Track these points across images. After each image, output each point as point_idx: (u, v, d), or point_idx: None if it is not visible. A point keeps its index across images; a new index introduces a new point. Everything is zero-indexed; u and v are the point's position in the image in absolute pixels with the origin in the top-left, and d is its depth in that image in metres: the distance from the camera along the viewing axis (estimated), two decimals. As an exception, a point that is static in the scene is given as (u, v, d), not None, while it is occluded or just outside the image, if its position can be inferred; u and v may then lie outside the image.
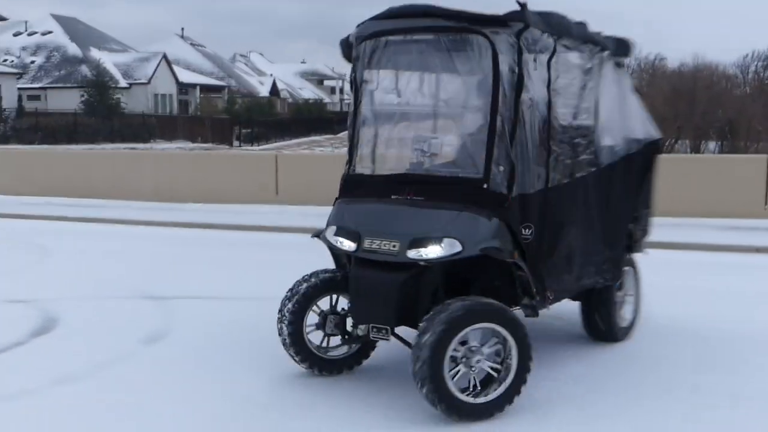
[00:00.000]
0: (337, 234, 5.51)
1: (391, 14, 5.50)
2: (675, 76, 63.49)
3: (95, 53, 64.54)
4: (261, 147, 51.09)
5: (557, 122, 5.69)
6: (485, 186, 5.19)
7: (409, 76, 5.93)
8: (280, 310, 5.68)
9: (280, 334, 5.68)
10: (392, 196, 5.45)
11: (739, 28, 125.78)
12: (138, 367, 6.10)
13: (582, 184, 6.01)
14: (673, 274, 9.27)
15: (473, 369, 4.95)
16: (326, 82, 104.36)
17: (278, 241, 12.08)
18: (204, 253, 11.33)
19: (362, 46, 5.68)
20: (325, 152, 34.80)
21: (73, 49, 64.59)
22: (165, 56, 66.13)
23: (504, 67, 5.18)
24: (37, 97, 60.19)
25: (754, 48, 74.83)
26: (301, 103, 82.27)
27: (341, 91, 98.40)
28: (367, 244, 5.31)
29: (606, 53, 6.31)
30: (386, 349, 6.01)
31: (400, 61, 5.76)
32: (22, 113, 51.48)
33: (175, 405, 5.29)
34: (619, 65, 6.65)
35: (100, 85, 55.93)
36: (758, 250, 10.97)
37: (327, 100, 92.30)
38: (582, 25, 5.99)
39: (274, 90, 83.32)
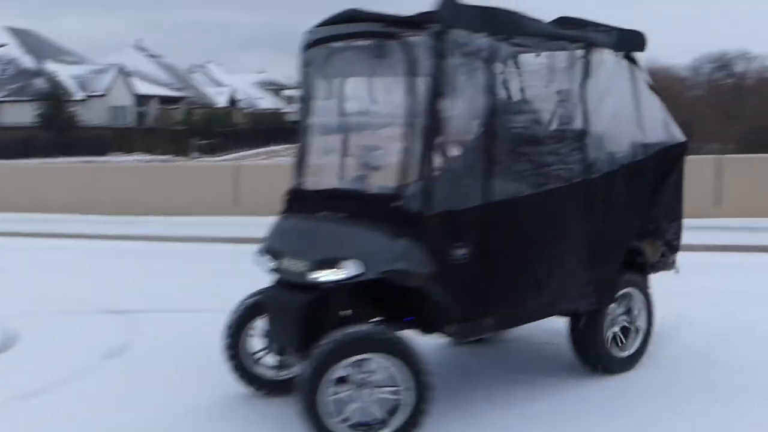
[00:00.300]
0: (266, 251, 5.34)
1: (329, 21, 5.31)
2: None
3: (51, 66, 63.90)
4: (220, 158, 50.98)
5: (509, 130, 5.28)
6: (398, 202, 4.87)
7: (350, 84, 5.66)
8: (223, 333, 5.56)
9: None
10: (322, 213, 5.23)
11: (689, 32, 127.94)
12: (101, 382, 6.11)
13: (555, 197, 5.48)
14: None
15: (370, 400, 4.71)
16: (285, 92, 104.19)
17: (239, 252, 12.07)
18: (165, 265, 11.29)
19: (306, 54, 5.51)
20: (285, 162, 34.61)
21: (28, 61, 63.87)
22: (121, 68, 65.71)
23: (422, 73, 4.86)
24: (-10, 111, 59.49)
25: (704, 50, 76.16)
26: (260, 113, 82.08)
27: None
28: (284, 263, 5.15)
29: (597, 50, 5.75)
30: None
31: (340, 69, 5.49)
32: (-25, 128, 50.85)
33: (139, 418, 5.30)
34: (628, 61, 6.08)
35: (55, 98, 55.48)
36: (708, 248, 11.17)
37: (285, 109, 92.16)
38: (538, 22, 5.52)
39: (232, 100, 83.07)
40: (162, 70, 78.20)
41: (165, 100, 71.22)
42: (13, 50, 65.33)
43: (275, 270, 5.24)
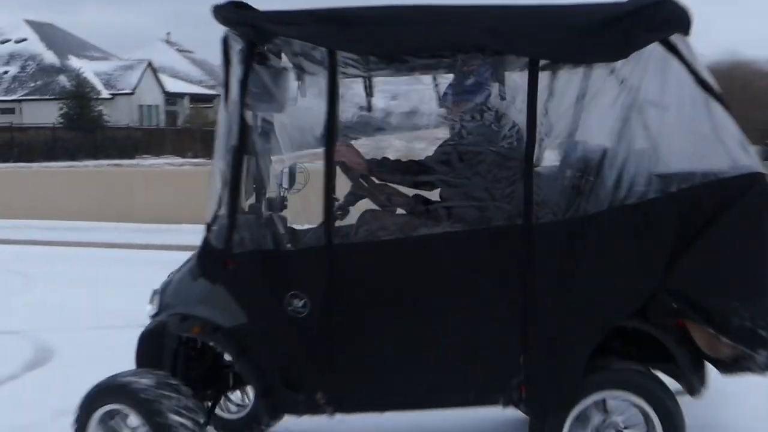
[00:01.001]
0: None
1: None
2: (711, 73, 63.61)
3: (74, 62, 64.92)
4: (256, 161, 51.32)
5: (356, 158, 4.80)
6: (205, 239, 4.61)
7: None
8: None
9: None
10: None
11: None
12: None
13: (446, 243, 4.47)
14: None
15: None
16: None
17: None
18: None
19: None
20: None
21: (50, 57, 64.99)
22: (150, 64, 66.55)
23: (231, 81, 4.43)
24: (11, 111, 60.56)
25: (795, 42, 74.87)
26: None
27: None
28: None
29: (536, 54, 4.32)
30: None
31: None
32: (-5, 129, 51.85)
33: None
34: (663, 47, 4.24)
35: (80, 97, 56.22)
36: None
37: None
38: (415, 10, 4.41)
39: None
40: (194, 67, 79.07)
41: (197, 99, 71.96)
42: (34, 45, 66.52)
43: None
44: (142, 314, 8.81)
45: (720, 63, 67.03)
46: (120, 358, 7.27)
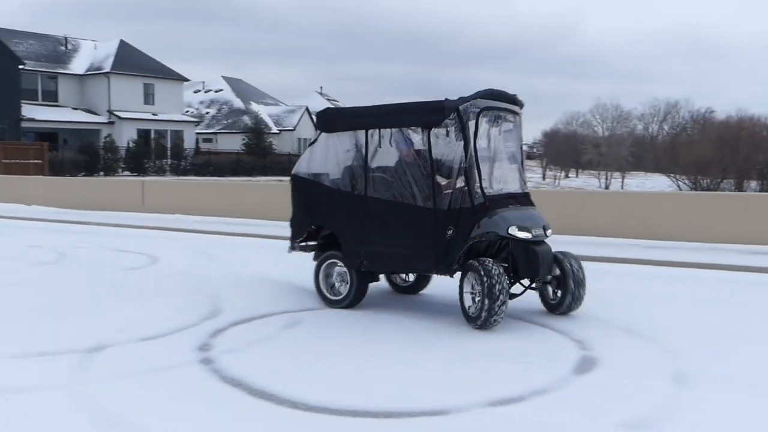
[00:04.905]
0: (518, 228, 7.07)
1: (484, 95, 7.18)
2: (722, 126, 61.11)
3: (254, 106, 66.73)
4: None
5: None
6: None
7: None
8: None
9: None
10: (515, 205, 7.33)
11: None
12: (280, 347, 6.42)
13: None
14: (709, 287, 9.09)
15: None
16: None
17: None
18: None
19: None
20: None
21: (238, 103, 66.98)
22: (307, 109, 67.86)
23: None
24: (209, 140, 62.66)
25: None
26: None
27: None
28: (534, 231, 7.16)
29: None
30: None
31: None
32: (198, 152, 53.62)
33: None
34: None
35: (257, 132, 57.77)
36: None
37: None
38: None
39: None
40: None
41: (339, 135, 72.94)
42: (227, 94, 68.68)
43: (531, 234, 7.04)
44: (285, 284, 9.02)
45: (731, 117, 64.10)
46: (267, 310, 7.43)
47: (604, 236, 13.67)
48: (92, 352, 6.00)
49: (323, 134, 8.11)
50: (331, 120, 8.07)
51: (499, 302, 6.61)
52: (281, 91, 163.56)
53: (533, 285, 7.44)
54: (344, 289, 7.86)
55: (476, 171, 6.89)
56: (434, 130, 7.00)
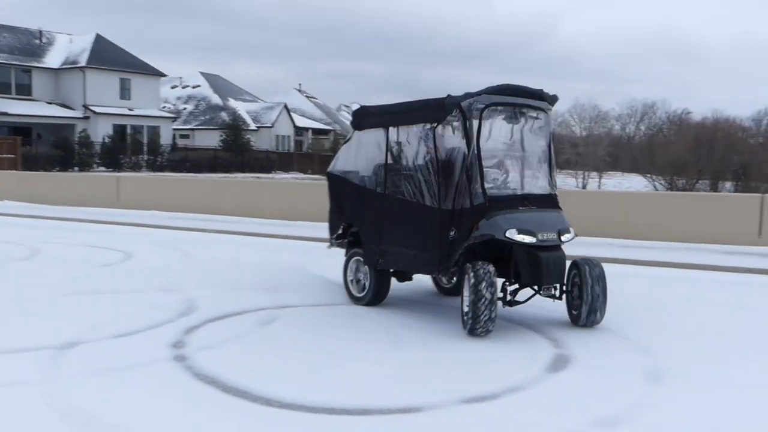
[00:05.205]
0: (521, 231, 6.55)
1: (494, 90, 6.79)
2: (698, 127, 61.82)
3: (232, 102, 66.32)
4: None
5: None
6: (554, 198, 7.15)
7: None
8: None
9: None
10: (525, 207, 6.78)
11: (753, 88, 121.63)
12: (255, 344, 6.38)
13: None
14: (684, 286, 9.21)
15: None
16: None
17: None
18: (310, 259, 11.51)
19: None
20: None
21: (216, 99, 66.51)
22: (285, 106, 67.56)
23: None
24: (186, 136, 62.14)
25: (766, 104, 72.24)
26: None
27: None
28: (542, 235, 6.60)
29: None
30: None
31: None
32: (175, 149, 53.18)
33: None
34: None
35: (235, 128, 57.38)
36: (751, 271, 10.77)
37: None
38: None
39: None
40: (316, 108, 80.00)
41: (317, 132, 72.82)
42: (205, 90, 68.18)
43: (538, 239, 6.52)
44: (258, 282, 8.99)
45: (707, 118, 64.79)
46: (238, 310, 7.39)
47: (581, 235, 13.69)
48: (64, 349, 5.94)
49: (355, 132, 8.16)
50: (361, 117, 8.07)
51: (483, 306, 6.23)
52: (260, 88, 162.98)
53: (540, 292, 6.81)
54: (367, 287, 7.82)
55: (478, 170, 6.51)
56: (440, 128, 6.80)
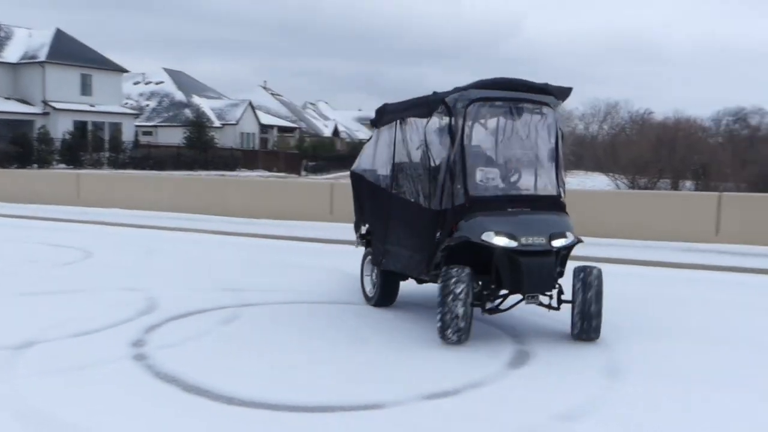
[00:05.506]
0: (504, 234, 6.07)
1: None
2: (660, 127, 62.87)
3: (196, 99, 65.60)
4: (323, 177, 51.60)
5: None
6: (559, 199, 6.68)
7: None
8: None
9: None
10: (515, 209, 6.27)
11: (712, 89, 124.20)
12: (216, 342, 6.36)
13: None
14: (643, 283, 9.38)
15: None
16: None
17: (332, 250, 12.37)
18: (274, 257, 11.57)
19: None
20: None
21: (179, 95, 65.71)
22: (250, 103, 67.04)
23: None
24: (149, 133, 61.31)
25: (725, 105, 73.86)
26: (357, 142, 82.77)
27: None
28: (525, 239, 6.14)
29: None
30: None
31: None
32: (137, 146, 52.48)
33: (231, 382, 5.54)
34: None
35: (199, 125, 56.77)
36: (707, 267, 10.98)
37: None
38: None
39: (336, 132, 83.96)
40: (281, 106, 79.54)
41: (283, 129, 72.40)
42: (168, 86, 67.33)
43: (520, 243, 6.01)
44: (222, 280, 8.93)
45: (668, 118, 65.88)
46: (202, 309, 7.36)
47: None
48: (21, 348, 5.85)
49: (375, 130, 8.10)
50: (379, 115, 7.97)
51: (452, 311, 5.88)
52: (224, 85, 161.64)
53: (524, 300, 6.25)
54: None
55: (461, 169, 6.11)
56: (431, 126, 6.50)
